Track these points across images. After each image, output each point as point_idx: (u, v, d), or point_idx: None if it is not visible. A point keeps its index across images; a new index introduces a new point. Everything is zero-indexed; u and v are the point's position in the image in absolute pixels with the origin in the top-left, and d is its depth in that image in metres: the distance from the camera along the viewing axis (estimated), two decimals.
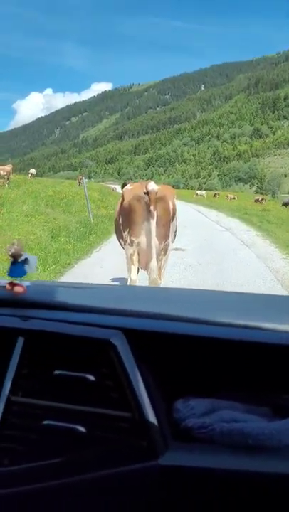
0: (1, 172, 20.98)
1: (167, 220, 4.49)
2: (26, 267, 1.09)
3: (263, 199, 39.43)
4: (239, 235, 13.38)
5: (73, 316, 1.00)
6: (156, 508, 0.85)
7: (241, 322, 0.93)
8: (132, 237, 4.50)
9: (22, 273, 1.09)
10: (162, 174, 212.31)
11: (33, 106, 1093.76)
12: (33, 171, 33.04)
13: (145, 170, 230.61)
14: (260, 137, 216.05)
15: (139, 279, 4.79)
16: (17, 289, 1.07)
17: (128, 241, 4.54)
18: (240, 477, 0.80)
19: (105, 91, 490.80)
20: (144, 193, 4.36)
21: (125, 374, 0.89)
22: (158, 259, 4.50)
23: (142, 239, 4.47)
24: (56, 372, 0.92)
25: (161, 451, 0.84)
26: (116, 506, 0.87)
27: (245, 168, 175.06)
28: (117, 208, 5.09)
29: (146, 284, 4.69)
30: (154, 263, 4.43)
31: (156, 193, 4.35)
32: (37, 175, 36.83)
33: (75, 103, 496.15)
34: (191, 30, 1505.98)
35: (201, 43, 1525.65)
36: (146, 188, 4.37)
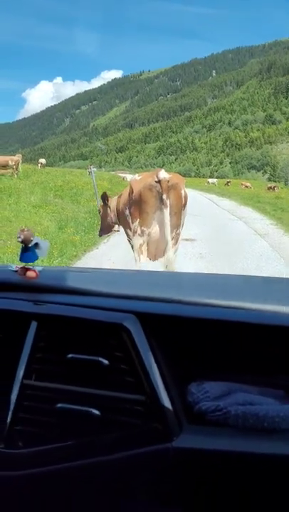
0: (10, 162, 20.77)
1: (179, 209, 4.35)
2: (37, 251, 1.09)
3: (275, 186, 38.73)
4: (252, 224, 13.02)
5: (86, 300, 1.01)
6: (171, 490, 0.86)
7: (254, 305, 0.93)
8: (142, 228, 4.35)
9: (33, 258, 1.09)
10: (173, 162, 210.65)
11: (42, 95, 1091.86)
12: (42, 160, 32.85)
13: (156, 158, 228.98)
14: (272, 123, 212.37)
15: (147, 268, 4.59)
16: (29, 273, 1.08)
17: (138, 231, 4.39)
18: (255, 460, 0.80)
19: (115, 78, 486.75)
20: (156, 181, 4.22)
21: (139, 357, 0.89)
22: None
23: (155, 229, 4.33)
24: (70, 355, 0.93)
25: (176, 433, 0.85)
26: (131, 487, 0.88)
27: (257, 155, 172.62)
28: (122, 198, 4.98)
29: None
30: (170, 254, 4.27)
31: (168, 181, 4.23)
32: (47, 164, 36.68)
33: (85, 91, 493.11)
34: (202, 15, 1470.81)
35: (212, 27, 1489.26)
36: (157, 176, 4.23)
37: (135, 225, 4.43)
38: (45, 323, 0.97)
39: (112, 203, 5.47)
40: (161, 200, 4.20)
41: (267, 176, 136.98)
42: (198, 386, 0.91)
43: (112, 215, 5.50)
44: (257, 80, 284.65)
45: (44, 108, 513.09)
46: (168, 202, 4.20)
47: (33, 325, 0.97)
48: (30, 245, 1.07)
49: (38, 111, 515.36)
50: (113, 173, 54.83)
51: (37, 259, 1.09)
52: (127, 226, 4.82)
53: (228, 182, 51.00)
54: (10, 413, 0.93)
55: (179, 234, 4.47)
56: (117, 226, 5.71)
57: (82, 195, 16.88)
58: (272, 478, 0.81)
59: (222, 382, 0.92)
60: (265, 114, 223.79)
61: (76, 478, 0.89)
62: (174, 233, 4.37)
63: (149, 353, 0.90)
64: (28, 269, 1.09)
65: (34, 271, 1.09)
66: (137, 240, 4.44)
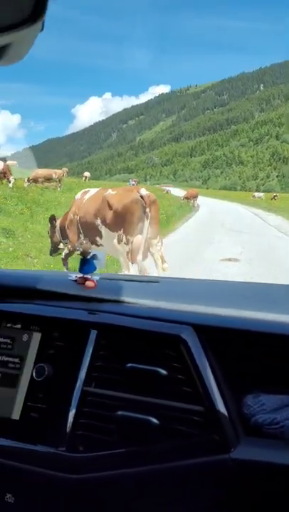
0: (53, 175, 20.91)
1: (158, 219, 5.34)
2: (95, 262, 1.13)
3: None
4: None
5: (144, 310, 1.03)
6: (227, 501, 0.86)
7: None
8: (128, 237, 5.12)
9: (92, 268, 1.13)
10: (219, 176, 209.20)
11: (91, 110, 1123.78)
12: (87, 174, 33.16)
13: (201, 172, 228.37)
14: None
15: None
16: (88, 283, 1.12)
17: (124, 240, 5.15)
18: None
19: (162, 93, 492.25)
20: (140, 197, 5.07)
21: (196, 368, 0.90)
22: (156, 251, 5.28)
23: (137, 237, 5.14)
24: (128, 365, 0.95)
25: (233, 445, 0.85)
26: (187, 497, 0.88)
27: None
28: (73, 212, 5.84)
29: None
30: (140, 257, 5.10)
31: (149, 196, 5.11)
32: (93, 178, 37.06)
33: (132, 106, 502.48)
34: (249, 30, 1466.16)
35: (260, 42, 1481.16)
36: (139, 192, 5.11)
37: (120, 234, 5.20)
38: (104, 333, 1.00)
39: (57, 223, 6.41)
40: (144, 212, 5.05)
41: None
42: (254, 398, 0.91)
43: (57, 235, 6.46)
44: None
45: (92, 123, 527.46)
46: (149, 214, 5.06)
47: (93, 334, 1.00)
48: (88, 257, 1.12)
49: (87, 126, 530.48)
50: (158, 186, 54.61)
51: (95, 269, 1.13)
52: (95, 234, 5.51)
53: (274, 196, 49.19)
54: (71, 418, 0.97)
55: (161, 240, 5.42)
56: (62, 244, 6.54)
57: None
58: None
59: (278, 395, 0.91)
60: None
61: (133, 484, 0.91)
62: (157, 239, 5.27)
63: (206, 364, 0.91)
64: (86, 279, 1.12)
65: (93, 281, 1.12)
66: (124, 248, 5.21)
